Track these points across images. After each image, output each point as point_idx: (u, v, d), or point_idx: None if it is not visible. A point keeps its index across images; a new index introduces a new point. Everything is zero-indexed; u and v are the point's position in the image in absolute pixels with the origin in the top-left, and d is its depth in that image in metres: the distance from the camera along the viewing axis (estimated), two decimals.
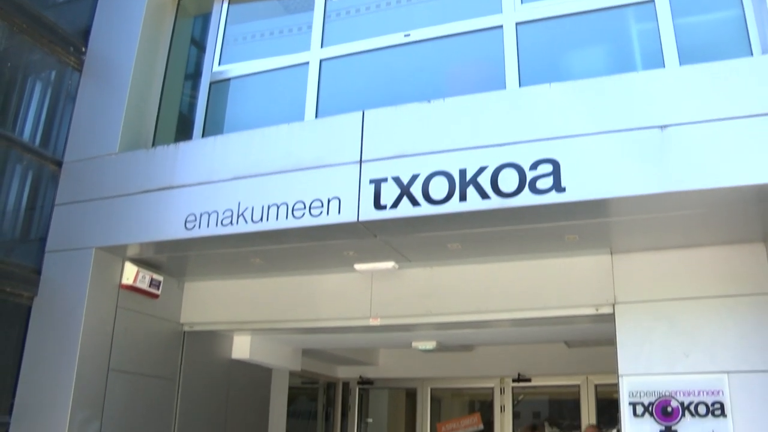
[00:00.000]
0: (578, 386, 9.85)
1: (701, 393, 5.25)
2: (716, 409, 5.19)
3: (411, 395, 11.02)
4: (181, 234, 5.74)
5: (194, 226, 5.68)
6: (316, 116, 6.23)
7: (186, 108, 7.22)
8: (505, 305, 6.04)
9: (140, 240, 6.07)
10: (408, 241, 5.60)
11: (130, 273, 6.44)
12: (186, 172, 5.97)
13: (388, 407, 11.81)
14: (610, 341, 5.71)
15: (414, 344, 8.09)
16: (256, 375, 8.27)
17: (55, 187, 6.62)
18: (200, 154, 6.05)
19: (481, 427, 10.65)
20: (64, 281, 6.25)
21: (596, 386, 9.72)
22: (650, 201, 4.63)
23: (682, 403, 5.27)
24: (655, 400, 5.31)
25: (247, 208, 5.50)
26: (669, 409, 5.28)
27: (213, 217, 5.62)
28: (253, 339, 7.78)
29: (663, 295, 5.51)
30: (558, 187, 4.66)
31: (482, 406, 10.94)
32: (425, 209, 4.96)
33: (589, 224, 5.15)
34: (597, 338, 7.79)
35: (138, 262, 6.49)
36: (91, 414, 6.02)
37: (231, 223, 5.52)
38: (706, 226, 5.16)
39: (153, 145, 6.77)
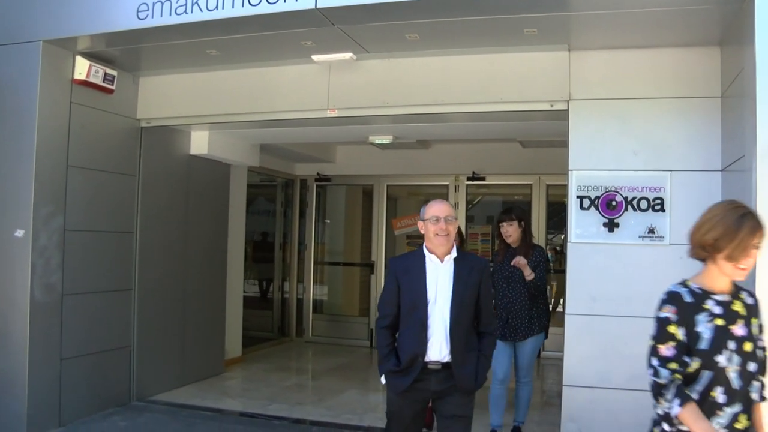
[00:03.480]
0: (530, 186, 10.17)
1: (644, 189, 5.50)
2: (656, 205, 5.47)
3: (368, 193, 11.29)
4: (134, 24, 5.54)
5: (147, 15, 5.47)
6: None
7: None
8: (462, 98, 6.06)
9: (90, 31, 5.86)
10: (366, 30, 5.51)
11: (82, 67, 6.27)
12: None
13: (345, 205, 12.06)
14: (564, 142, 5.84)
15: (371, 139, 8.16)
16: (215, 171, 8.34)
17: None
18: None
19: None
20: (13, 76, 6.09)
21: (548, 186, 10.04)
22: None
23: (626, 198, 5.52)
24: (601, 194, 5.56)
25: None
26: (613, 203, 5.54)
27: (166, 5, 5.40)
28: (211, 134, 7.76)
29: (617, 94, 5.60)
30: None
31: None
32: None
33: (548, 17, 5.10)
34: (551, 138, 7.96)
35: (90, 56, 6.31)
36: (54, 209, 6.12)
37: (185, 11, 5.33)
38: (665, 26, 5.14)
39: None
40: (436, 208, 4.01)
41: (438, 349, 3.91)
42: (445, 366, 3.92)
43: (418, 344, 3.91)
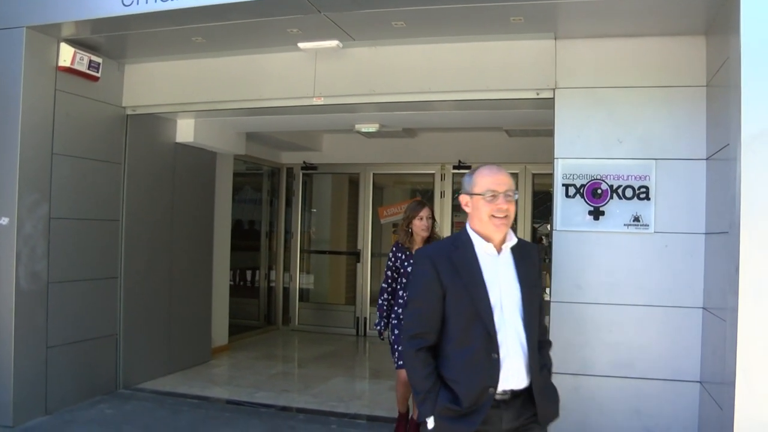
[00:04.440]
0: (516, 175, 10.19)
1: (630, 177, 5.51)
2: (642, 193, 5.48)
3: (354, 182, 11.28)
4: (119, 11, 5.48)
5: (132, 2, 5.41)
6: None
7: None
8: (448, 86, 6.07)
9: (75, 18, 5.80)
10: (352, 18, 5.48)
11: (66, 54, 6.22)
12: None
13: (331, 193, 12.06)
14: (550, 132, 5.86)
15: (357, 127, 8.15)
16: (201, 159, 8.32)
17: None
18: None
19: None
20: None
21: (534, 175, 10.08)
22: None
23: (611, 186, 5.54)
24: (587, 183, 5.57)
25: None
26: (599, 191, 5.56)
27: None
28: (196, 122, 7.73)
29: (603, 83, 5.60)
30: None
31: (423, 195, 11.25)
32: None
33: (534, 5, 5.09)
34: (537, 128, 7.98)
35: (74, 42, 6.27)
36: (39, 197, 6.08)
37: None
38: (651, 15, 5.15)
39: None
40: (493, 179, 2.88)
41: (515, 374, 2.79)
42: (515, 394, 2.81)
43: (487, 372, 2.74)
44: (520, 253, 2.93)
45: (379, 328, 5.70)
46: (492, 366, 2.74)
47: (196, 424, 6.18)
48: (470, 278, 2.81)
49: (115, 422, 6.14)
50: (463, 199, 2.98)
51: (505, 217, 2.84)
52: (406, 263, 5.54)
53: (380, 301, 5.70)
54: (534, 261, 3.00)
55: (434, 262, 2.86)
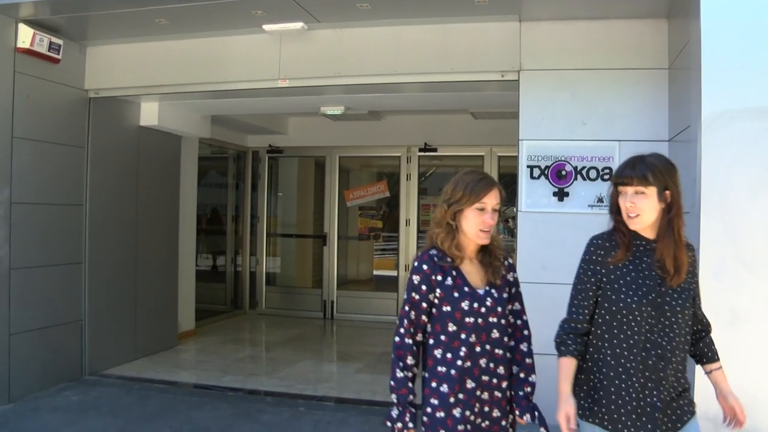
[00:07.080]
0: (482, 157, 10.25)
1: (594, 159, 5.59)
2: (605, 174, 5.56)
3: (320, 165, 11.26)
4: None
5: None
6: None
7: None
8: (413, 68, 6.08)
9: None
10: None
11: (25, 35, 6.10)
12: None
13: (297, 177, 12.04)
14: (515, 114, 5.89)
15: (323, 109, 8.14)
16: (166, 143, 8.22)
17: None
18: None
19: (388, 194, 11.08)
20: None
21: (499, 158, 10.12)
22: None
23: (575, 168, 5.61)
24: (551, 164, 5.63)
25: None
26: (563, 172, 5.63)
27: None
28: (161, 105, 7.65)
29: (567, 65, 5.66)
30: None
31: (390, 178, 11.29)
32: None
33: None
34: (502, 110, 8.02)
35: (34, 23, 6.15)
36: None
37: None
38: None
39: None
40: None
41: None
42: None
43: None
44: None
45: (399, 425, 2.76)
46: None
47: (163, 408, 6.15)
48: None
49: (82, 409, 6.09)
50: None
51: None
52: (455, 293, 2.81)
53: (399, 373, 2.78)
54: None
55: None
